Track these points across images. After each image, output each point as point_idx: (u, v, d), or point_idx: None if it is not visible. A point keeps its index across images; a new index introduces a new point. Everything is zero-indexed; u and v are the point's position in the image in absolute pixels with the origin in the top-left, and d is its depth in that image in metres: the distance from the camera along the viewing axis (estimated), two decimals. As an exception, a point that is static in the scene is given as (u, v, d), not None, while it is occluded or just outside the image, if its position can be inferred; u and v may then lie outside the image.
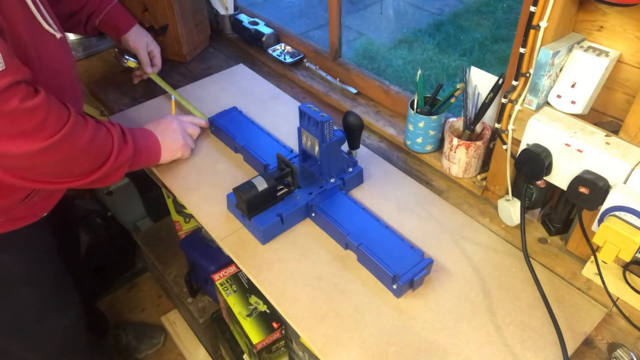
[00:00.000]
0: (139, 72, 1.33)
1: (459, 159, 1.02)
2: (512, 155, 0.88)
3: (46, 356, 1.22)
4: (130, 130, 0.99)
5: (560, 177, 0.81)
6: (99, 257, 1.80)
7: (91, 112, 1.50)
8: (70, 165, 0.87)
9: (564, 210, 0.91)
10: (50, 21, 0.90)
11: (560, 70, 0.80)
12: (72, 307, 1.23)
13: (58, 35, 0.91)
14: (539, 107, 0.82)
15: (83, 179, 0.90)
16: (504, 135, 0.89)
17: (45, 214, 1.04)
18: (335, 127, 0.94)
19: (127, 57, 1.30)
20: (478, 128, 1.04)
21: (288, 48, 1.49)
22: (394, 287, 0.83)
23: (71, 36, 1.51)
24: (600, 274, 0.80)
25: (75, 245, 1.49)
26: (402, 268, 0.84)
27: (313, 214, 0.97)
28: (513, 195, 0.93)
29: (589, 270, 0.86)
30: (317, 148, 0.95)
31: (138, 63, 1.31)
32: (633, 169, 0.71)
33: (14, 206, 0.94)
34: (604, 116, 0.83)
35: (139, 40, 1.28)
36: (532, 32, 0.78)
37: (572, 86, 0.78)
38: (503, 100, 0.86)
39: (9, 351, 1.15)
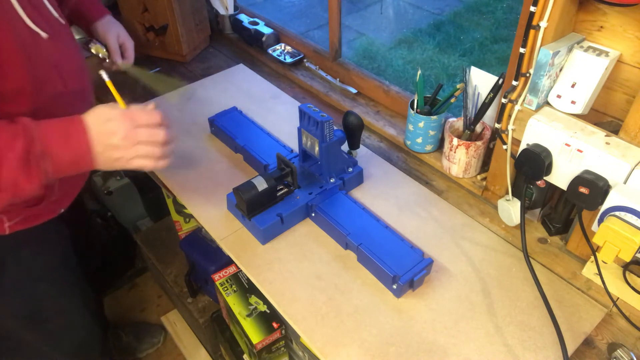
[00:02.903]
0: (107, 64, 1.14)
1: (459, 159, 1.02)
2: (512, 155, 0.88)
3: (64, 349, 1.21)
4: (45, 156, 0.73)
5: (560, 177, 0.81)
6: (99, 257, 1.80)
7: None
8: None
9: (564, 210, 0.91)
10: (54, 14, 0.82)
11: (560, 70, 0.80)
12: (90, 302, 1.22)
13: (44, 34, 0.81)
14: (539, 107, 0.82)
15: None
16: (504, 135, 0.89)
17: (63, 210, 1.01)
18: (335, 127, 0.94)
19: (94, 41, 1.12)
20: (478, 128, 1.04)
21: (288, 48, 1.49)
22: (394, 287, 0.83)
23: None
24: (600, 274, 0.80)
25: (83, 241, 1.45)
26: (402, 268, 0.84)
27: (313, 214, 0.97)
28: (513, 195, 0.93)
29: (589, 270, 0.86)
30: (317, 148, 0.95)
31: (107, 52, 1.13)
32: (633, 169, 0.71)
33: (27, 207, 0.92)
34: (604, 116, 0.83)
35: (110, 29, 1.13)
36: (532, 32, 0.78)
37: (572, 86, 0.78)
38: (503, 100, 0.86)
39: (29, 343, 1.15)
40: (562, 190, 0.82)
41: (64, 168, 0.77)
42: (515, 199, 0.93)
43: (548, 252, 0.92)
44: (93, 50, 1.10)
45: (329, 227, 0.94)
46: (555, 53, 0.75)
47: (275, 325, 1.15)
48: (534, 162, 0.81)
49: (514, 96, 0.85)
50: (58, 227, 1.06)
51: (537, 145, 0.81)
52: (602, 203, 0.74)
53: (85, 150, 0.77)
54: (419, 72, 1.05)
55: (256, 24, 1.52)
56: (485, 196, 1.02)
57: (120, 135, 0.78)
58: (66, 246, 1.12)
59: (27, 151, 0.71)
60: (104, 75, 0.90)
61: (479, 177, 1.04)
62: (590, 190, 0.74)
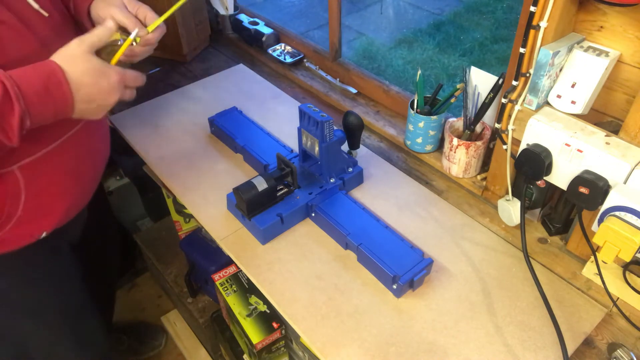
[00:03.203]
0: (132, 49, 0.82)
1: (459, 159, 1.02)
2: (512, 155, 0.88)
3: None
4: (26, 110, 0.66)
5: (560, 177, 0.81)
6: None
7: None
8: None
9: (564, 210, 0.91)
10: (33, 5, 0.73)
11: (560, 70, 0.80)
12: (91, 342, 1.11)
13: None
14: (539, 107, 0.82)
15: None
16: (504, 135, 0.89)
17: (45, 234, 0.89)
18: (335, 127, 0.94)
19: None
20: (478, 128, 1.04)
21: (288, 48, 1.49)
22: (394, 287, 0.83)
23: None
24: (600, 274, 0.80)
25: (106, 270, 1.34)
26: (402, 268, 0.84)
27: (313, 214, 0.97)
28: (513, 195, 0.93)
29: (589, 270, 0.86)
30: (317, 148, 0.95)
31: (124, 33, 0.82)
32: (633, 169, 0.71)
33: None
34: (604, 116, 0.83)
35: (109, 2, 0.83)
36: (532, 32, 0.78)
37: (572, 86, 0.78)
38: (503, 100, 0.86)
39: None
40: (562, 190, 0.82)
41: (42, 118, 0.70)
42: (515, 199, 0.93)
43: (548, 252, 0.92)
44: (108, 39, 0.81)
45: (329, 227, 0.94)
46: (555, 53, 0.75)
47: (275, 325, 1.15)
48: (534, 162, 0.81)
49: (514, 96, 0.85)
50: (49, 258, 0.95)
51: (537, 145, 0.81)
52: (602, 203, 0.74)
53: (64, 108, 0.72)
54: (419, 72, 1.05)
55: (256, 24, 1.52)
56: (485, 196, 1.02)
57: (115, 97, 0.76)
58: (64, 277, 1.00)
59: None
60: (133, 33, 0.79)
61: (479, 177, 1.04)
62: (590, 190, 0.74)
